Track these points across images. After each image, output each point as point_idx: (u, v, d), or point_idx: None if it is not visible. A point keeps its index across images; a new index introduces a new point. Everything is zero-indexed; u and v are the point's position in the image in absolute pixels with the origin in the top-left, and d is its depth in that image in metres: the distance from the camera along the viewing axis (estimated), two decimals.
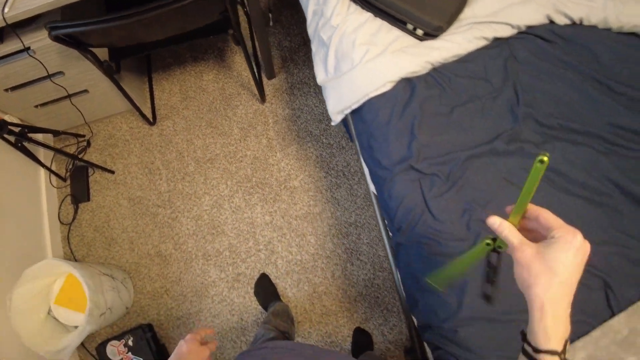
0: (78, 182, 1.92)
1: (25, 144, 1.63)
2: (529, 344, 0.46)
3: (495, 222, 0.50)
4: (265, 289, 1.75)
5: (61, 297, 1.68)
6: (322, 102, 1.93)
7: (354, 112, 1.22)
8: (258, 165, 1.89)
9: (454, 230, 1.04)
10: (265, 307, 1.73)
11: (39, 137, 1.81)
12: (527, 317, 0.47)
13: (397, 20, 1.20)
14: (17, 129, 1.55)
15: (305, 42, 2.02)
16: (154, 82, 2.01)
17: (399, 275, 1.19)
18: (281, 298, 1.75)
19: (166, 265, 1.82)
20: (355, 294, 1.77)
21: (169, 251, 1.83)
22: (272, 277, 1.79)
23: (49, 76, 1.56)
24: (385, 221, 1.20)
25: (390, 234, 1.18)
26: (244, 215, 1.85)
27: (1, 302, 1.50)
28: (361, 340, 1.74)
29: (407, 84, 1.16)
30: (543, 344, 0.45)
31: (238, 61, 2.01)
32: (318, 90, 1.95)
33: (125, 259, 1.85)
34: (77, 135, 1.91)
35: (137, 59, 2.00)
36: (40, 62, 1.46)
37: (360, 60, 1.17)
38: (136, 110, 1.84)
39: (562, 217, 1.14)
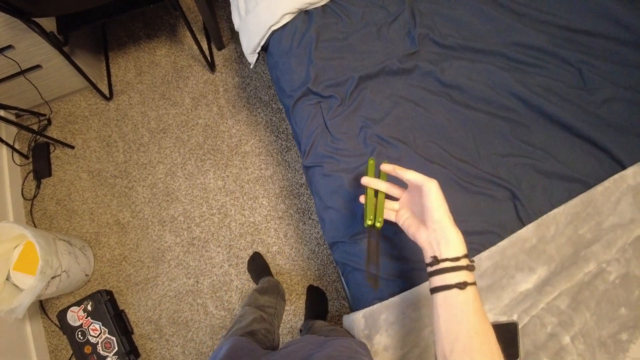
0: (40, 159, 1.99)
1: None
2: (434, 259, 0.57)
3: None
4: (258, 266, 1.78)
5: (20, 263, 1.74)
6: None
7: (264, 51, 1.26)
8: (209, 132, 1.94)
9: (351, 147, 1.06)
10: (257, 281, 1.76)
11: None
12: None
13: None
14: None
15: None
16: (110, 59, 2.08)
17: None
18: (273, 274, 1.78)
19: (124, 234, 1.87)
20: (308, 252, 1.78)
21: (126, 219, 1.88)
22: (226, 240, 1.82)
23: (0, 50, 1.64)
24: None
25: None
26: (197, 182, 1.89)
27: None
28: (315, 297, 1.75)
29: (306, 16, 1.20)
30: (444, 253, 0.56)
31: (189, 36, 2.07)
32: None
33: (86, 229, 1.90)
34: (37, 114, 1.99)
35: (93, 37, 2.08)
36: None
37: None
38: (92, 87, 1.91)
39: (465, 131, 1.16)
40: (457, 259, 0.55)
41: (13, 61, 1.70)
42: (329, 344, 0.75)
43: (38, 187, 1.97)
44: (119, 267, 1.85)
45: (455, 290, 0.54)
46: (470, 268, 0.55)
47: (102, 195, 1.92)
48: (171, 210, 1.87)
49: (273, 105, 1.93)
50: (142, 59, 2.06)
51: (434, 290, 0.56)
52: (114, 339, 1.74)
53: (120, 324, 1.78)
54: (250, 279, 1.77)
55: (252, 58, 1.29)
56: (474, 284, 0.55)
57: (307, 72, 1.13)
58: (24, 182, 1.99)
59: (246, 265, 1.80)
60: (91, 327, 1.77)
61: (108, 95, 2.01)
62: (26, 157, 2.00)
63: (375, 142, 1.06)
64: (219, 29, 1.92)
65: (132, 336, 1.81)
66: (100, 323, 1.77)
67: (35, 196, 1.96)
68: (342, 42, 1.15)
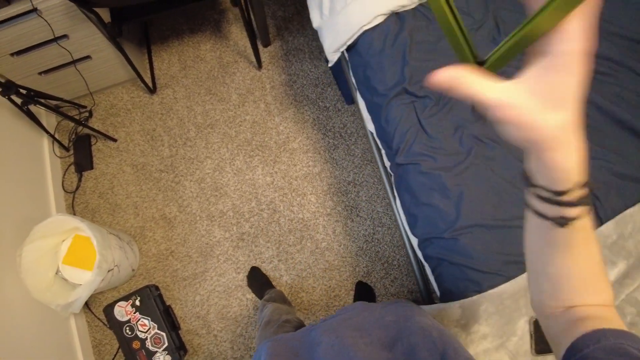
0: (81, 151, 1.96)
1: (31, 108, 1.67)
2: (544, 189, 0.34)
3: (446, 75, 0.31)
4: (258, 280, 1.79)
5: (69, 256, 1.71)
6: (317, 67, 2.00)
7: (350, 49, 1.29)
8: (257, 129, 1.95)
9: (447, 146, 1.12)
10: (261, 297, 1.76)
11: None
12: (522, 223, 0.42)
13: None
14: (24, 91, 1.60)
15: (299, 12, 2.09)
16: (153, 53, 2.07)
17: (398, 202, 1.26)
18: (274, 285, 1.78)
19: (171, 228, 1.86)
20: (356, 249, 1.82)
21: (173, 214, 1.88)
22: (275, 235, 1.84)
23: (55, 39, 1.61)
24: (382, 150, 1.27)
25: (388, 162, 1.25)
26: (246, 177, 1.90)
27: (10, 262, 1.53)
28: (363, 293, 1.80)
29: (397, 18, 1.24)
30: (565, 181, 0.33)
31: (234, 31, 2.08)
32: (313, 56, 2.02)
33: (130, 224, 1.88)
34: (79, 106, 1.96)
35: (136, 32, 2.06)
36: (47, 23, 1.51)
37: None
38: (138, 78, 1.89)
39: None
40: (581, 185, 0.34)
41: (66, 51, 1.68)
42: (389, 309, 0.71)
43: (79, 179, 1.94)
44: (166, 262, 1.84)
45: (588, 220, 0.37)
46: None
47: (147, 190, 1.91)
48: (220, 205, 1.87)
49: (320, 104, 1.96)
50: (186, 53, 2.05)
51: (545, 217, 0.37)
52: (163, 334, 1.74)
53: (168, 319, 1.77)
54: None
55: (334, 57, 1.32)
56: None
57: (402, 72, 1.17)
58: (64, 174, 1.96)
59: (246, 282, 1.81)
60: (140, 322, 1.76)
61: (152, 89, 1.99)
62: (67, 149, 1.97)
63: (472, 142, 1.11)
64: (267, 26, 1.94)
65: (179, 332, 1.80)
66: (150, 318, 1.75)
67: (76, 189, 1.93)
68: (434, 45, 1.20)
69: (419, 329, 0.60)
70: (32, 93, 1.65)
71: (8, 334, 1.44)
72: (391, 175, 1.38)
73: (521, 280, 1.03)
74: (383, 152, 1.31)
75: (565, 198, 0.34)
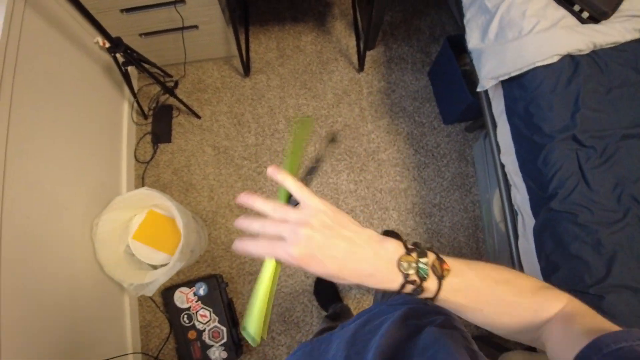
0: (161, 122, 1.85)
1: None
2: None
3: (275, 172, 0.45)
4: (326, 288, 1.71)
5: (140, 232, 1.62)
6: (419, 80, 1.94)
7: (510, 79, 1.23)
8: (348, 133, 1.88)
9: (605, 202, 1.07)
10: (326, 309, 1.69)
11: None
12: None
13: (565, 0, 1.23)
14: (129, 51, 1.50)
15: (406, 20, 2.03)
16: (251, 34, 1.97)
17: (524, 243, 1.21)
18: (341, 298, 1.71)
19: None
20: None
21: None
22: None
23: (174, 2, 1.51)
24: (518, 187, 1.22)
25: (523, 200, 1.20)
26: (329, 180, 1.83)
27: (80, 229, 1.43)
28: None
29: (571, 60, 1.18)
30: (393, 282, 0.39)
31: (338, 27, 1.99)
32: (415, 68, 1.95)
33: (203, 206, 1.79)
34: (166, 74, 1.85)
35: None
36: None
37: (531, 30, 1.18)
38: (235, 57, 1.80)
39: None
40: (410, 250, 0.40)
41: (178, 16, 1.58)
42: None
43: (154, 151, 1.83)
44: (234, 253, 1.76)
45: (445, 281, 0.40)
46: (418, 291, 0.40)
47: (226, 175, 1.81)
48: None
49: (416, 118, 1.90)
50: (285, 41, 1.97)
51: (434, 298, 0.41)
52: (224, 329, 1.66)
53: (230, 314, 1.69)
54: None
55: (489, 83, 1.26)
56: (438, 291, 0.40)
57: (573, 118, 1.12)
58: (138, 142, 1.85)
59: (313, 288, 1.73)
60: (200, 312, 1.68)
61: (245, 72, 1.90)
62: (145, 116, 1.86)
63: (630, 202, 1.06)
64: (378, 29, 1.86)
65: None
66: (211, 310, 1.67)
67: (150, 160, 1.83)
68: (605, 96, 1.15)
69: None
70: (135, 54, 1.55)
71: (75, 302, 1.34)
72: (517, 213, 1.33)
73: None
74: (518, 189, 1.26)
75: (408, 285, 0.39)
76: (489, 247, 1.74)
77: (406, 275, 0.39)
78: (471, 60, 1.38)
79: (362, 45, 1.86)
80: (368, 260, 0.39)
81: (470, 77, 1.62)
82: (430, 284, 0.39)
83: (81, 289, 1.38)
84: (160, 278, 1.46)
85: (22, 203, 1.14)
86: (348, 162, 1.85)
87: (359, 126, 1.88)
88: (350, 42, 1.97)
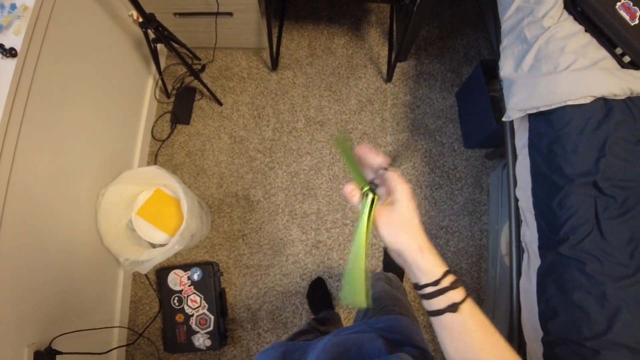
0: (182, 103, 1.86)
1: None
2: (425, 285, 0.48)
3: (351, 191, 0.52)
4: (320, 294, 1.70)
5: (144, 209, 1.63)
6: (446, 99, 1.90)
7: (538, 114, 1.20)
8: (366, 141, 1.86)
9: (618, 255, 1.03)
10: (316, 314, 1.67)
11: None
12: None
13: (608, 41, 1.18)
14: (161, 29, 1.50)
15: (442, 38, 1.99)
16: (284, 29, 1.97)
17: (526, 283, 1.18)
18: (333, 305, 1.69)
19: (250, 211, 1.77)
20: None
21: (257, 198, 1.78)
22: None
23: None
24: (529, 225, 1.19)
25: (531, 239, 1.17)
26: (340, 186, 1.81)
27: (86, 195, 1.44)
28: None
29: (605, 104, 1.14)
30: (433, 274, 0.47)
31: (372, 34, 1.97)
32: (444, 86, 1.92)
33: (210, 193, 1.79)
34: (195, 57, 1.86)
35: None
36: None
37: (567, 67, 1.14)
38: (265, 50, 1.80)
39: None
40: (437, 282, 0.48)
41: (215, 1, 1.58)
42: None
43: (172, 131, 1.84)
44: (234, 244, 1.76)
45: (448, 315, 0.48)
46: (454, 286, 0.48)
47: (238, 165, 1.81)
48: (305, 205, 1.78)
49: (437, 137, 1.87)
50: (318, 40, 1.95)
51: (429, 314, 0.50)
52: (212, 317, 1.65)
53: (220, 303, 1.69)
54: None
55: (515, 114, 1.23)
56: (465, 299, 0.48)
57: (597, 163, 1.07)
58: (157, 119, 1.86)
59: (307, 290, 1.71)
60: (191, 297, 1.68)
61: (273, 66, 1.89)
62: (168, 95, 1.87)
63: None
64: (412, 42, 1.84)
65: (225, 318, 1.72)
66: (203, 297, 1.67)
67: (166, 139, 1.84)
68: (635, 146, 1.10)
69: None
70: (166, 33, 1.56)
71: (71, 267, 1.36)
72: (523, 250, 1.29)
73: None
74: (529, 226, 1.22)
75: (443, 283, 0.47)
76: (490, 278, 1.70)
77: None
78: (501, 88, 1.35)
79: (393, 56, 1.84)
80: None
81: (498, 104, 1.59)
82: (462, 290, 0.47)
83: (78, 255, 1.40)
84: (157, 258, 1.46)
85: (36, 158, 1.15)
86: None
87: (377, 136, 1.86)
88: (382, 51, 1.95)
